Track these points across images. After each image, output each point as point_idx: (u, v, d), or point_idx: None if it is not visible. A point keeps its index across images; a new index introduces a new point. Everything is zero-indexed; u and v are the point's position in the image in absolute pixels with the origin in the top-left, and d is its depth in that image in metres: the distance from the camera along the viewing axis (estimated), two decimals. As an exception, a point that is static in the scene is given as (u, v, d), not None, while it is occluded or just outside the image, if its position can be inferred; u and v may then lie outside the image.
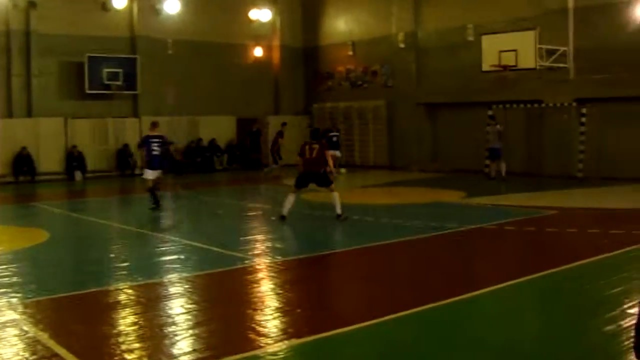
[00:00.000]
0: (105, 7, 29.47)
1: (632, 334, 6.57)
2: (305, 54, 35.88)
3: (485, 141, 25.09)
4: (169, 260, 11.48)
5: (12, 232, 15.29)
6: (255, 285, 9.80)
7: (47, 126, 27.73)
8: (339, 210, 15.29)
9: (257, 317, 7.91)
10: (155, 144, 17.55)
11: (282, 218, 15.49)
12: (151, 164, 17.55)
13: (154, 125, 18.17)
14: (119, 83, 29.04)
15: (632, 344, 6.27)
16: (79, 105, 28.68)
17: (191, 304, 8.54)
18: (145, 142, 17.81)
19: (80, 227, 16.32)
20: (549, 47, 23.96)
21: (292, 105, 35.46)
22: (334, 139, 27.46)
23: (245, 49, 34.04)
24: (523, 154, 25.57)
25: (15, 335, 7.19)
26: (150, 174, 17.63)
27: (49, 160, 27.76)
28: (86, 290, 9.38)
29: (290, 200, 15.58)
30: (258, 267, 10.92)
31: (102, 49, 28.94)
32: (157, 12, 30.78)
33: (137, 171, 28.67)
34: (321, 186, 15.83)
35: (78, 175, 27.69)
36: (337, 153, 26.95)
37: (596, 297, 8.69)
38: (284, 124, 29.43)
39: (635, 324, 2.03)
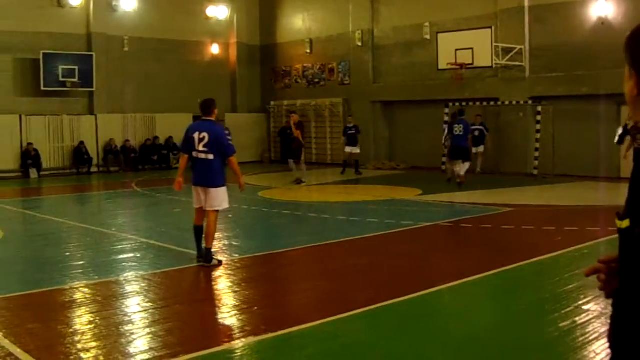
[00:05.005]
0: (61, 3, 29.16)
1: (588, 329, 6.78)
2: (263, 52, 35.85)
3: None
4: (126, 258, 11.44)
5: (-35, 231, 15.09)
6: (212, 283, 9.82)
7: (2, 124, 27.30)
8: None
9: (214, 315, 7.94)
10: None
11: None
12: None
13: None
14: (74, 80, 28.76)
15: (586, 340, 6.48)
16: (34, 103, 28.39)
17: (148, 302, 8.53)
18: None
19: (36, 225, 16.16)
20: (505, 45, 24.25)
21: (249, 103, 35.46)
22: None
23: (202, 46, 33.99)
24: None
25: (-30, 335, 7.11)
26: None
27: (4, 158, 27.37)
28: (41, 289, 9.30)
29: None
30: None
31: (57, 46, 28.66)
32: (113, 9, 30.56)
33: (93, 169, 28.59)
34: None
35: (33, 173, 27.41)
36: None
37: (551, 293, 8.80)
38: None
39: (612, 313, 2.19)
